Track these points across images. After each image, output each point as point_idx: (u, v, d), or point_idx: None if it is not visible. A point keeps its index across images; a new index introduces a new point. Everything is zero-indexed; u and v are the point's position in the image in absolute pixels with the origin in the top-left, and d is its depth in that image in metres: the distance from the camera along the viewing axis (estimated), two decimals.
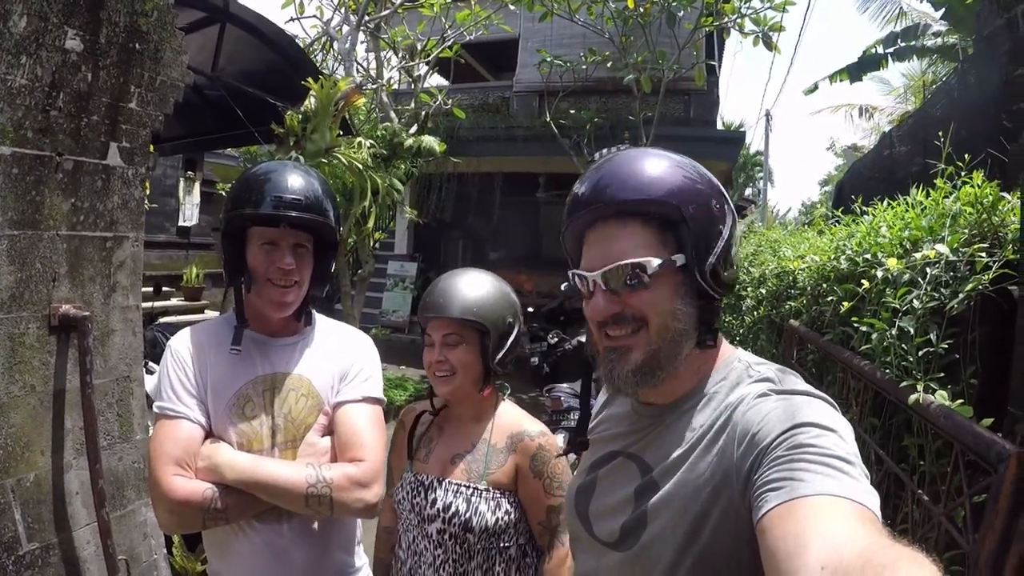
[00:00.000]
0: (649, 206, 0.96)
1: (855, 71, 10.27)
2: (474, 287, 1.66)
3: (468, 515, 1.60)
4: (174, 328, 5.21)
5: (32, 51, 1.89)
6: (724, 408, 0.93)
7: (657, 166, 0.98)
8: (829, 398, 0.90)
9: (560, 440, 5.33)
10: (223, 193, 9.39)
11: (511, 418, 1.74)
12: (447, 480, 1.65)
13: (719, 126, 14.42)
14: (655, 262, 0.94)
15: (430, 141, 7.17)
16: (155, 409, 1.48)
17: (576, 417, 5.32)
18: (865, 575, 0.59)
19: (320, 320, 1.68)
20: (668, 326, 0.96)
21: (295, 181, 1.50)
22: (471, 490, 1.63)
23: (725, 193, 1.01)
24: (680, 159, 1.00)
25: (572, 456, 1.30)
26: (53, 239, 2.01)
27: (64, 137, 2.02)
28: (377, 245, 6.81)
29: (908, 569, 0.59)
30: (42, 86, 1.94)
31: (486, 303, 1.64)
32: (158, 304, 5.50)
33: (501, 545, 1.63)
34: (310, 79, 4.72)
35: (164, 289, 6.28)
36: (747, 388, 0.94)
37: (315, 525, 1.54)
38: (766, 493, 0.76)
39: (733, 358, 1.01)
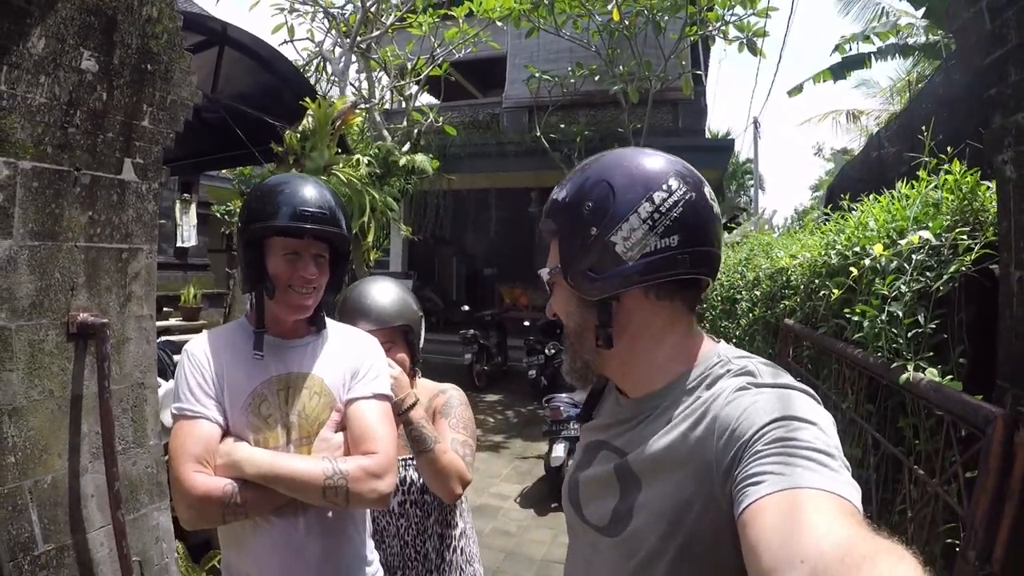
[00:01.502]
0: (545, 225, 1.06)
1: (838, 70, 10.23)
2: (388, 294, 1.92)
3: (421, 481, 1.89)
4: (176, 345, 5.24)
5: (50, 71, 1.97)
6: (703, 402, 0.92)
7: (569, 188, 1.03)
8: (810, 390, 0.89)
9: (560, 450, 5.40)
10: (218, 215, 9.45)
11: (426, 388, 2.01)
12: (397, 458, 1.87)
13: (707, 135, 14.57)
14: (544, 271, 1.07)
15: (423, 159, 7.27)
16: (173, 411, 1.52)
17: (576, 427, 5.36)
18: (844, 567, 0.60)
19: (330, 323, 1.73)
20: (569, 326, 1.06)
21: (314, 193, 1.56)
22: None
23: (619, 183, 0.97)
24: (582, 165, 1.05)
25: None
26: (71, 250, 2.08)
27: (81, 153, 2.09)
28: (373, 263, 6.89)
29: (887, 561, 0.59)
30: (60, 104, 2.01)
31: (404, 307, 1.91)
32: (159, 324, 5.53)
33: None
34: (307, 99, 4.82)
35: (164, 309, 6.32)
36: (727, 382, 0.93)
37: (329, 518, 1.58)
38: (747, 487, 0.76)
39: (712, 352, 1.00)
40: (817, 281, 3.02)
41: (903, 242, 2.10)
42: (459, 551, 1.98)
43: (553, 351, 8.88)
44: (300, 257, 1.55)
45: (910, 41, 10.60)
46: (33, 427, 1.98)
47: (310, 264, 1.55)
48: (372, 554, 1.76)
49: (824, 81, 10.37)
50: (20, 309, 1.93)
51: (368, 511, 1.82)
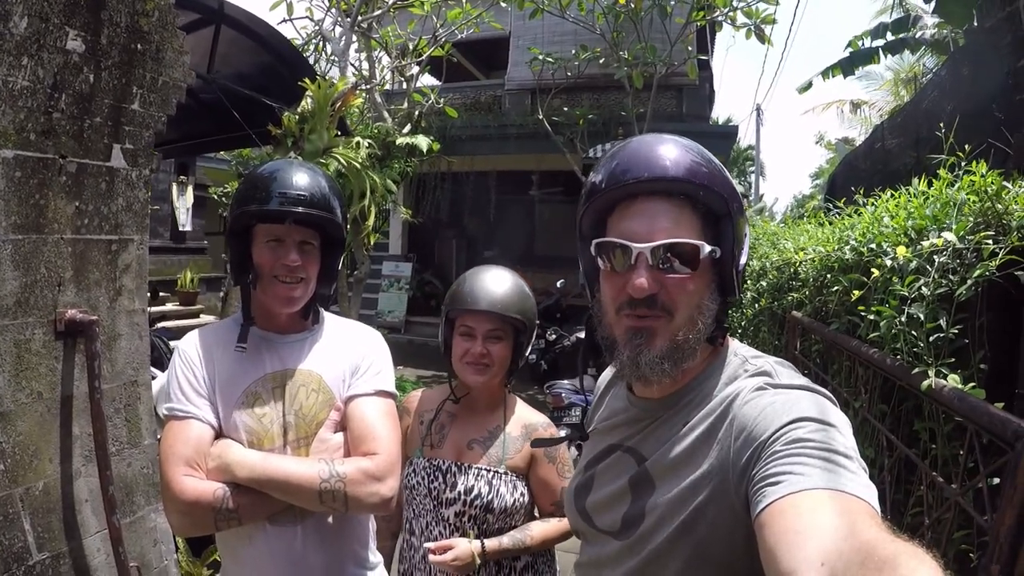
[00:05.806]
0: (705, 193, 0.94)
1: (847, 65, 10.24)
2: (515, 288, 1.77)
3: (490, 497, 1.72)
4: (172, 333, 5.17)
5: (33, 52, 1.87)
6: (720, 402, 0.92)
7: (707, 157, 0.96)
8: (827, 392, 0.88)
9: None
10: (215, 197, 9.36)
11: (522, 410, 1.88)
12: (466, 464, 1.76)
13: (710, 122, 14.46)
14: (706, 247, 0.93)
15: (423, 140, 7.16)
16: (164, 411, 1.46)
17: (577, 413, 5.35)
18: (865, 570, 0.59)
19: (328, 317, 1.66)
20: (693, 319, 0.94)
21: (301, 178, 1.47)
22: (492, 473, 1.74)
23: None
24: (701, 150, 0.99)
25: (574, 451, 1.32)
26: (58, 243, 1.99)
27: (67, 139, 2.00)
28: (373, 245, 6.82)
29: (908, 564, 0.58)
30: (44, 88, 1.91)
31: (526, 305, 1.77)
32: (155, 309, 5.44)
33: (513, 524, 1.76)
34: (307, 80, 4.70)
35: (161, 294, 6.22)
36: (744, 382, 0.93)
37: (330, 525, 1.52)
38: (764, 488, 0.75)
39: (729, 352, 1.00)
40: (829, 276, 2.96)
41: (925, 244, 2.04)
42: None
43: (554, 336, 8.85)
44: (282, 243, 1.46)
45: (918, 36, 10.53)
46: (22, 432, 1.90)
47: (292, 251, 1.46)
48: (375, 556, 1.70)
49: (834, 76, 10.34)
50: (4, 307, 1.84)
51: (407, 512, 1.79)
